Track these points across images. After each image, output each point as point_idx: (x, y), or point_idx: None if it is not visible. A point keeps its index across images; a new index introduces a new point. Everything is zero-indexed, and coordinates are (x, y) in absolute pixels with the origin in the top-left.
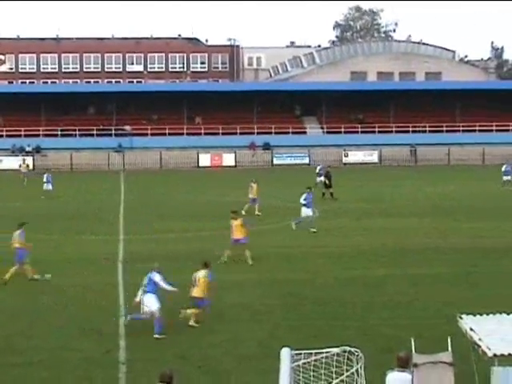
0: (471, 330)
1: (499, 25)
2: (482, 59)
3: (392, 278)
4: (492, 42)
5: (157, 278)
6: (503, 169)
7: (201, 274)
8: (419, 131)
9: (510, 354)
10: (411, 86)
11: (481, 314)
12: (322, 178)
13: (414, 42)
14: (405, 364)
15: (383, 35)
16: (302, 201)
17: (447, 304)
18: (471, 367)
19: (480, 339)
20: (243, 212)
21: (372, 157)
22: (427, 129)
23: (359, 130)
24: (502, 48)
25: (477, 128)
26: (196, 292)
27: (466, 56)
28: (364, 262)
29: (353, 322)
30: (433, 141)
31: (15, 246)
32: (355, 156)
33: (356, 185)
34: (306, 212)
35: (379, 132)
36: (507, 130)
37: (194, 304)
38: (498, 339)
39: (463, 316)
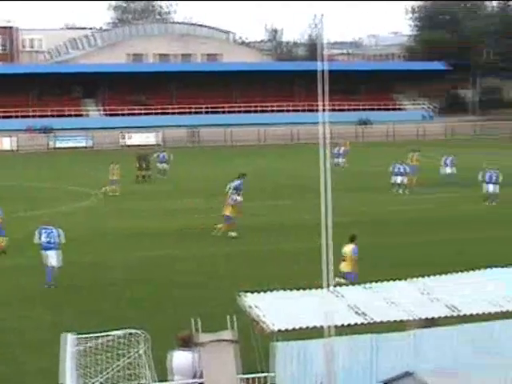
0: (253, 306)
1: (275, 7)
2: (258, 41)
3: (180, 259)
4: (268, 24)
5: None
6: (391, 169)
7: (347, 249)
8: (200, 112)
9: (290, 329)
10: (190, 68)
11: (265, 291)
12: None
13: (192, 24)
14: (186, 343)
15: (161, 17)
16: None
17: (231, 282)
18: (253, 343)
19: (262, 315)
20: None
21: (153, 138)
22: (208, 110)
23: (140, 112)
24: (279, 30)
25: (255, 108)
26: (344, 266)
27: (244, 38)
28: (149, 242)
29: (140, 303)
30: (213, 122)
31: None
32: (136, 138)
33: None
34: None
35: (160, 114)
36: (283, 111)
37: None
38: (278, 315)
39: (245, 294)
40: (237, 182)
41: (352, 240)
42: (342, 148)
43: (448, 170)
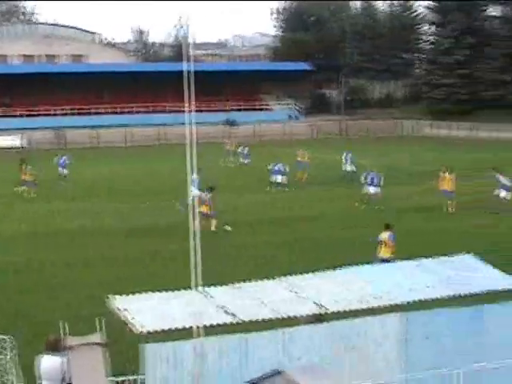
0: (122, 309)
1: (142, 8)
2: (125, 41)
3: (48, 262)
4: (134, 25)
5: None
6: (270, 167)
7: (385, 236)
8: (66, 114)
9: (159, 331)
10: (55, 69)
11: (133, 293)
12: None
13: (57, 25)
14: (54, 347)
15: (26, 18)
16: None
17: (101, 285)
18: (124, 346)
19: (130, 318)
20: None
21: (18, 141)
22: (74, 111)
23: (5, 114)
24: (144, 31)
25: (122, 110)
26: (384, 252)
27: (110, 38)
28: (15, 247)
29: (6, 308)
30: (80, 123)
31: None
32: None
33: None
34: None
35: (26, 116)
36: (151, 112)
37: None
38: (148, 316)
39: (114, 296)
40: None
41: (388, 227)
42: (246, 148)
43: (348, 168)
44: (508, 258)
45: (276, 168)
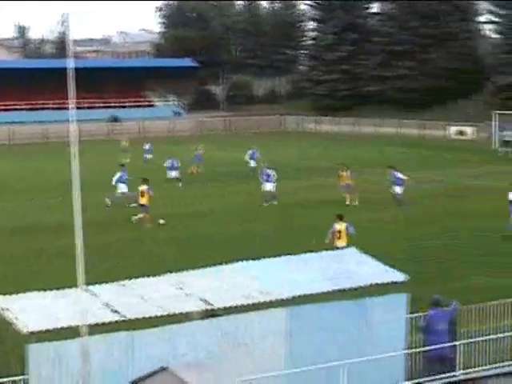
0: (5, 309)
1: (23, 4)
2: (6, 38)
3: None
4: (15, 21)
5: None
6: (166, 164)
7: (341, 227)
8: None
9: (44, 330)
10: None
11: (17, 293)
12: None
13: None
14: None
15: None
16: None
17: None
18: (10, 346)
19: (14, 318)
20: None
21: None
22: None
23: None
24: (27, 27)
25: (5, 107)
26: (340, 242)
27: None
28: None
29: None
30: None
31: None
32: None
33: None
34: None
35: None
36: (33, 109)
37: None
38: (33, 316)
39: None
40: (120, 174)
41: (341, 218)
42: (148, 144)
43: (252, 164)
44: (406, 252)
45: (170, 164)
